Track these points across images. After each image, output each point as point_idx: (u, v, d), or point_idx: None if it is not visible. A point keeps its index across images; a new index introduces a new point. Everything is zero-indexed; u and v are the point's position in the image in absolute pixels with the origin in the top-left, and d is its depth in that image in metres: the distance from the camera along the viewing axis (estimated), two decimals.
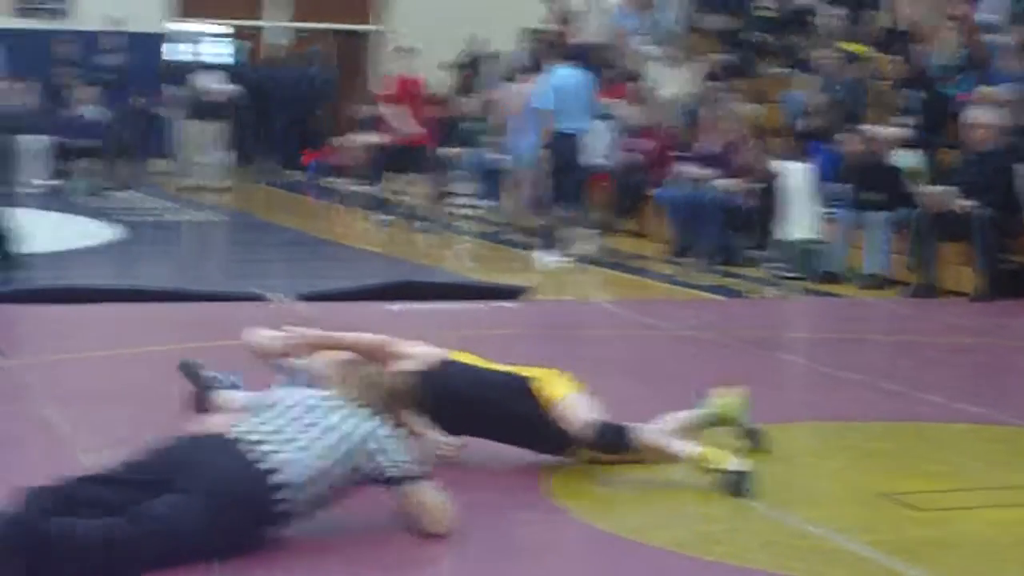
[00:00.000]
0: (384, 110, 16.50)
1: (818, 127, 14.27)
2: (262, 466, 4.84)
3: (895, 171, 12.99)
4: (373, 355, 5.99)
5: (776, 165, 13.89)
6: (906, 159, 13.26)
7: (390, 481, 5.06)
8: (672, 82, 17.85)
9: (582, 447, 6.00)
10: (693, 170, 14.55)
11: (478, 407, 6.00)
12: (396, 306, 10.40)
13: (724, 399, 6.46)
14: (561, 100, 13.89)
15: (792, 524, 5.51)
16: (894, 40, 15.67)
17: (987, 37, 14.63)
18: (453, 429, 5.98)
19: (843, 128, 13.26)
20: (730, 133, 14.41)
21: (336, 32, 25.80)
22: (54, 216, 16.51)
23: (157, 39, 23.85)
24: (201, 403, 6.36)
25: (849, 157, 13.03)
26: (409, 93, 16.28)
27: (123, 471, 4.83)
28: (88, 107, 19.93)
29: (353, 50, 25.99)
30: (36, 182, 19.60)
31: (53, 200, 18.46)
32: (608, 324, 10.72)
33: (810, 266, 12.95)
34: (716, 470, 5.76)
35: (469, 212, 18.49)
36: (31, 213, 14.33)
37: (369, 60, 26.02)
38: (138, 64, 22.23)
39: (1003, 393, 8.51)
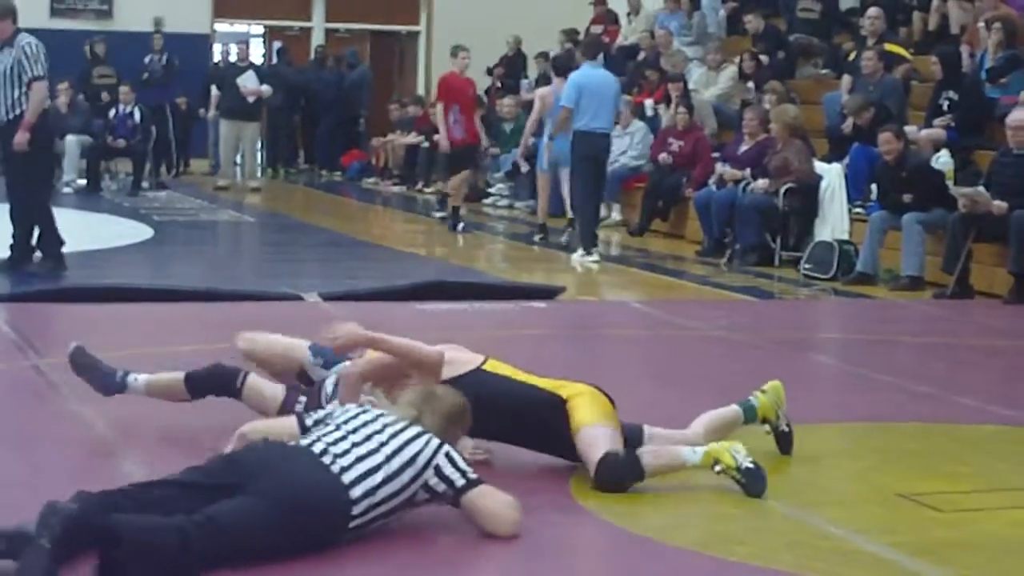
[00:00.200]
0: (438, 111, 16.45)
1: (858, 128, 14.23)
2: (344, 479, 4.88)
3: (933, 172, 12.93)
4: (420, 367, 5.93)
5: (819, 167, 13.90)
6: (944, 160, 13.21)
7: (457, 493, 5.09)
8: (712, 83, 17.87)
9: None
10: (732, 171, 14.55)
11: (509, 419, 5.96)
12: (428, 305, 10.43)
13: (764, 396, 6.40)
14: (583, 98, 13.86)
15: (815, 524, 5.52)
16: (936, 41, 15.61)
17: None
18: (482, 435, 5.99)
19: (882, 129, 13.20)
20: (770, 134, 14.39)
21: (373, 33, 25.89)
22: (91, 216, 16.60)
23: (198, 40, 24.01)
24: (108, 388, 6.43)
25: (887, 158, 12.98)
26: (464, 93, 16.28)
27: (194, 476, 4.87)
28: (127, 107, 20.03)
29: (389, 51, 26.07)
30: (75, 182, 19.77)
31: (90, 200, 18.58)
32: (639, 324, 10.72)
33: (843, 267, 12.92)
34: (725, 472, 5.74)
35: (505, 212, 18.55)
36: (68, 212, 14.47)
37: (407, 61, 26.10)
38: (179, 65, 22.37)
39: None
